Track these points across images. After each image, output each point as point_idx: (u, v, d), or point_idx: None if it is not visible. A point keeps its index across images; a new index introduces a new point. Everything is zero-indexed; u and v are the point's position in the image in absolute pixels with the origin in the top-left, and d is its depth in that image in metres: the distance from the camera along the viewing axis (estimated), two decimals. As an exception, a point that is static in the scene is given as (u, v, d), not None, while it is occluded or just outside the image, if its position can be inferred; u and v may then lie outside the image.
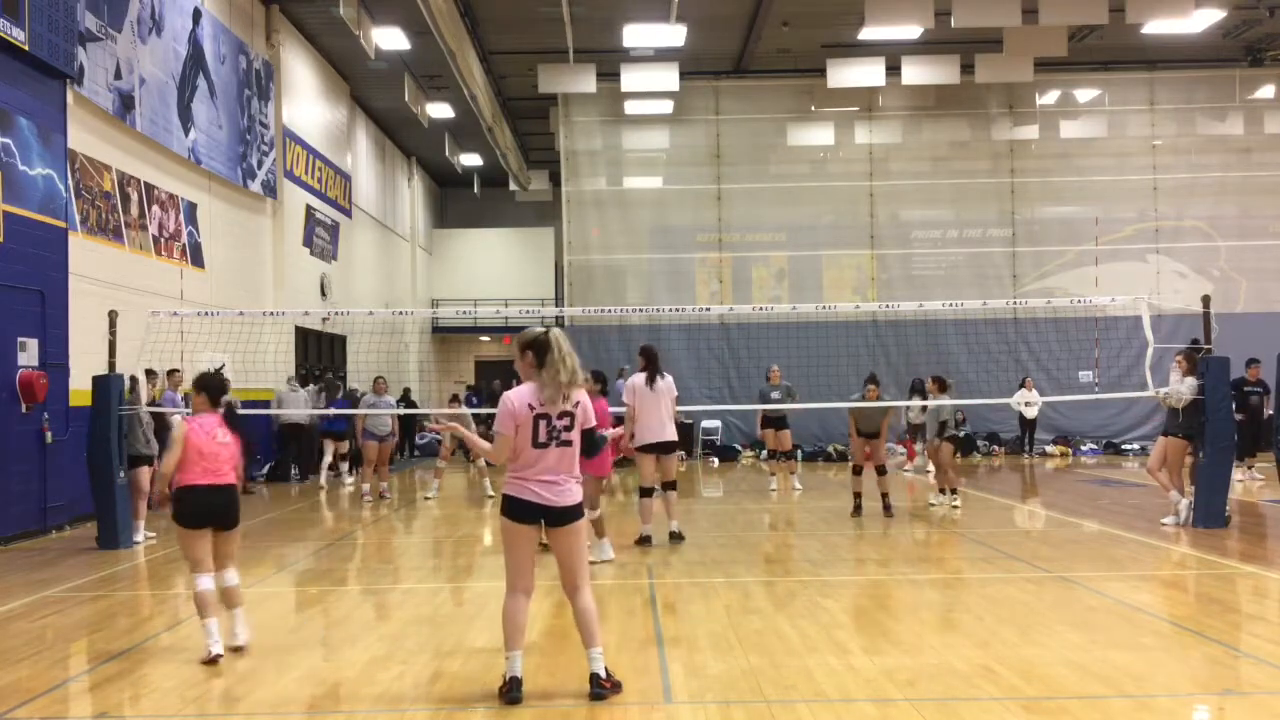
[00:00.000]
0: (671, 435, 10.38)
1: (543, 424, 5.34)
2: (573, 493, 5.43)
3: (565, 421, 5.38)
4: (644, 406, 10.26)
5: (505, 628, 5.40)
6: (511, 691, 5.31)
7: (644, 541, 10.21)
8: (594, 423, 5.58)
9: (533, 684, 5.62)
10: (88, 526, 11.35)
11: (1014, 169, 23.21)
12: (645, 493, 10.44)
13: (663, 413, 10.28)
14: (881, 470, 12.57)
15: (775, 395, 15.25)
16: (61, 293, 12.00)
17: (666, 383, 10.40)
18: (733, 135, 23.39)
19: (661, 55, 20.65)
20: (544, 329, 5.49)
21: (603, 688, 5.33)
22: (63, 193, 12.10)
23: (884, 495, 12.48)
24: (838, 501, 14.30)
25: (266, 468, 17.81)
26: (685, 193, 23.59)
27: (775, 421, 15.44)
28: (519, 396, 5.39)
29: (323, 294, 21.71)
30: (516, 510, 5.38)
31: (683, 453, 21.80)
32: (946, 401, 13.23)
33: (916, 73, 20.43)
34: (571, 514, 5.42)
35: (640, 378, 10.33)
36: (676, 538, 10.35)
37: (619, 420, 10.62)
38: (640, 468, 10.54)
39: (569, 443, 5.40)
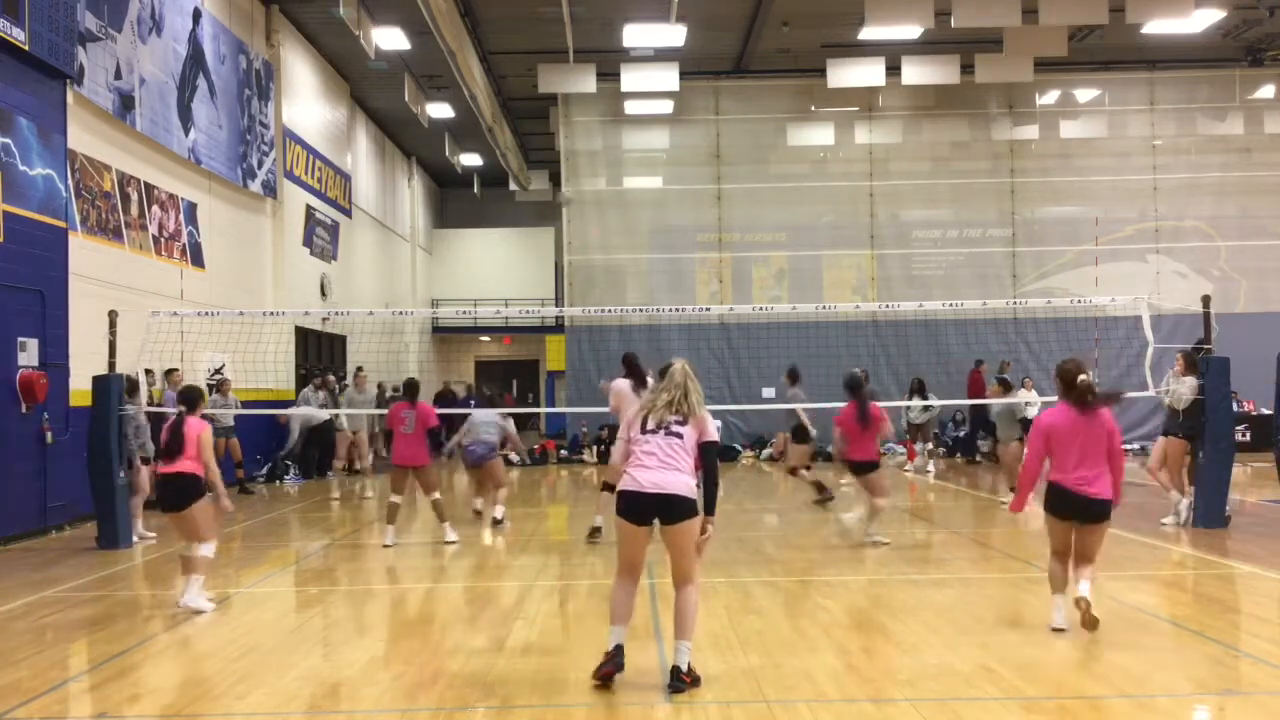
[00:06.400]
0: None
1: (654, 416, 5.70)
2: (684, 482, 5.54)
3: (678, 417, 5.67)
4: (628, 412, 10.20)
5: (612, 605, 5.69)
6: (615, 658, 5.51)
7: (594, 532, 10.44)
8: (712, 436, 5.76)
9: (532, 684, 5.63)
10: (88, 526, 11.34)
11: (1014, 169, 23.21)
12: (608, 487, 10.48)
13: None
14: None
15: None
16: (61, 293, 11.99)
17: (651, 386, 10.38)
18: (733, 135, 23.39)
19: (661, 55, 20.65)
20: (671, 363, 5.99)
21: (681, 681, 5.40)
22: (63, 193, 12.10)
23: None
24: (839, 501, 14.30)
25: (266, 468, 17.79)
26: (685, 193, 23.59)
27: None
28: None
29: (323, 294, 21.71)
30: (626, 507, 5.56)
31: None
32: (1011, 400, 13.44)
33: (916, 73, 20.42)
34: (681, 507, 5.50)
35: (625, 383, 10.33)
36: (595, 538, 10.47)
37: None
38: (612, 469, 10.66)
39: (678, 435, 5.62)
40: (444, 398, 20.27)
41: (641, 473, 5.54)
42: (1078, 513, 6.60)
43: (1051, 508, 6.69)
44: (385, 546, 10.39)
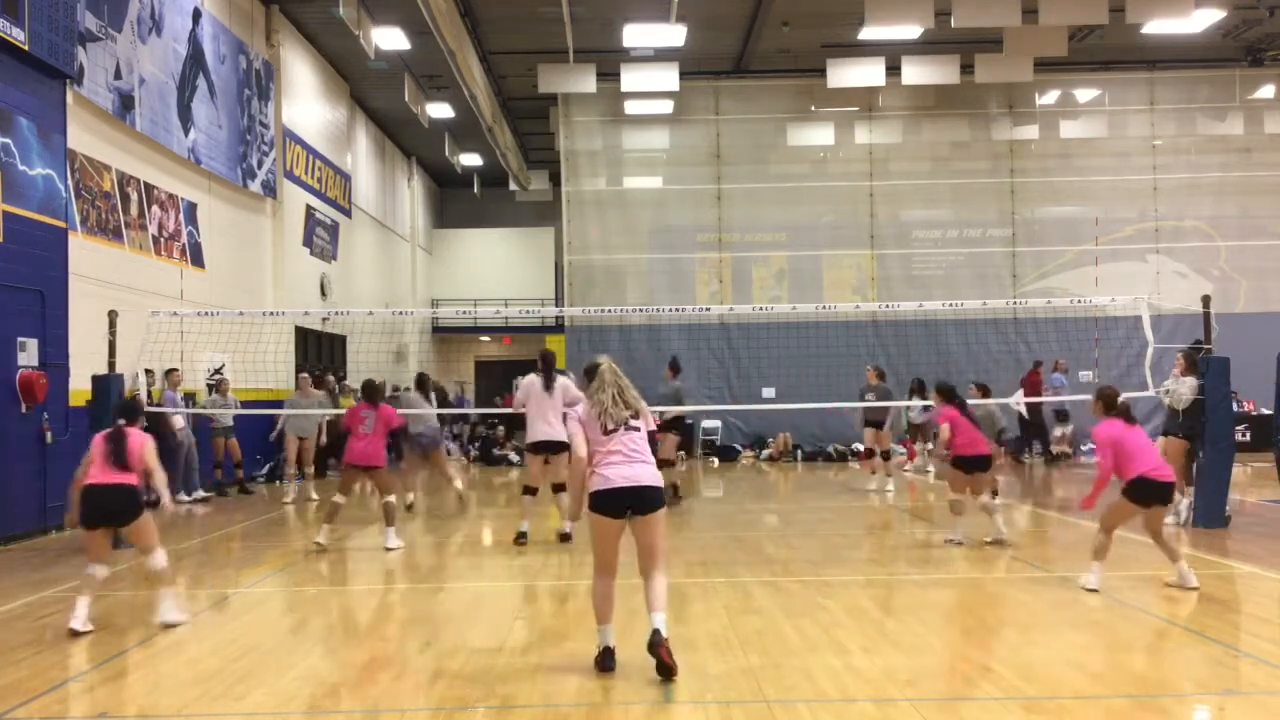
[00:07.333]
0: (560, 436, 10.31)
1: (609, 417, 5.92)
2: (651, 473, 5.82)
3: (631, 413, 5.98)
4: (536, 408, 10.40)
5: (595, 604, 5.88)
6: (606, 661, 5.79)
7: (521, 538, 10.44)
8: (653, 426, 6.10)
9: (532, 684, 5.64)
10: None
11: (1014, 169, 23.21)
12: (528, 490, 10.71)
13: (553, 414, 10.38)
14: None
15: (870, 396, 15.14)
16: (61, 293, 11.99)
17: (561, 384, 10.48)
18: (733, 135, 23.39)
19: (661, 55, 20.65)
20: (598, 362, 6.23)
21: (661, 639, 5.57)
22: (63, 193, 12.10)
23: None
24: (838, 501, 14.31)
25: (266, 468, 17.79)
26: (685, 193, 23.59)
27: (873, 422, 15.40)
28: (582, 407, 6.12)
29: (323, 294, 21.72)
30: (600, 503, 5.76)
31: (683, 452, 21.80)
32: (989, 402, 13.48)
33: (916, 73, 20.42)
34: (654, 497, 5.77)
35: (535, 380, 10.43)
36: (566, 538, 10.45)
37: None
38: (528, 466, 10.97)
39: (636, 429, 5.93)
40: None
41: (611, 469, 5.77)
42: (1160, 497, 7.79)
43: (1139, 498, 7.74)
44: (317, 544, 10.22)
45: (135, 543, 7.41)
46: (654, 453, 5.99)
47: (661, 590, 5.78)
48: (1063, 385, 19.62)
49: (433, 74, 21.95)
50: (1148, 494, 7.74)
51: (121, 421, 7.51)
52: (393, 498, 10.59)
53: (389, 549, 10.24)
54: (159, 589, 7.28)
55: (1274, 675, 5.78)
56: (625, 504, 5.74)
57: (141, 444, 7.39)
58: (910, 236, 23.36)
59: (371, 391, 10.80)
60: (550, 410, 10.37)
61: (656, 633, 5.61)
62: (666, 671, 5.56)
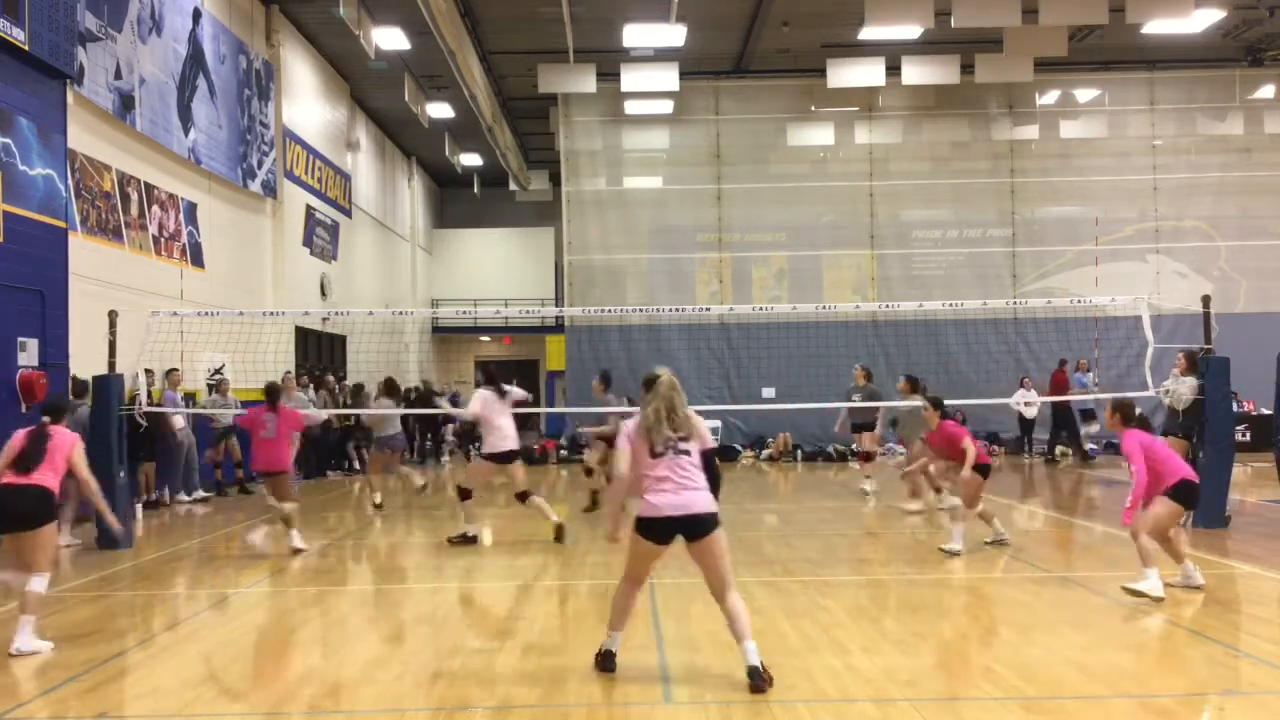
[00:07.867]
0: (516, 444, 10.57)
1: (656, 437, 5.61)
2: (703, 499, 5.60)
3: (682, 434, 5.66)
4: (497, 417, 10.38)
5: (612, 609, 5.88)
6: (606, 663, 5.76)
7: (470, 540, 10.58)
8: (711, 444, 5.85)
9: (532, 684, 5.63)
10: (88, 527, 11.34)
11: (1014, 169, 23.22)
12: (465, 494, 10.76)
13: (508, 422, 10.48)
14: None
15: (856, 397, 14.77)
16: (61, 293, 11.99)
17: (512, 392, 10.69)
18: (733, 135, 23.40)
19: (661, 55, 20.66)
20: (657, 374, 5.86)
21: (763, 679, 5.41)
22: (63, 193, 12.10)
23: None
24: (839, 501, 14.31)
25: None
26: (685, 193, 23.59)
27: (858, 425, 14.87)
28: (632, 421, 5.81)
29: (323, 294, 21.71)
30: (646, 530, 5.62)
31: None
32: (914, 403, 13.30)
33: (916, 73, 20.43)
34: (706, 524, 5.58)
35: (489, 392, 10.48)
36: (561, 536, 10.40)
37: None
38: (475, 473, 11.07)
39: (686, 452, 5.63)
40: (424, 397, 20.22)
41: (660, 497, 5.56)
42: (1197, 499, 8.02)
43: (1186, 500, 7.71)
44: (294, 550, 10.11)
45: (25, 554, 6.52)
46: (710, 472, 5.73)
47: (742, 615, 5.59)
48: (1085, 385, 19.52)
49: (433, 74, 21.95)
50: (1193, 496, 7.78)
51: (46, 419, 6.98)
52: (291, 505, 10.33)
53: (296, 550, 10.06)
54: (21, 613, 6.44)
55: (1274, 675, 5.78)
56: (673, 532, 5.61)
57: (69, 445, 6.84)
58: (910, 236, 23.36)
59: (273, 394, 10.63)
60: (506, 418, 10.45)
61: (752, 670, 5.41)
62: (759, 690, 5.39)
